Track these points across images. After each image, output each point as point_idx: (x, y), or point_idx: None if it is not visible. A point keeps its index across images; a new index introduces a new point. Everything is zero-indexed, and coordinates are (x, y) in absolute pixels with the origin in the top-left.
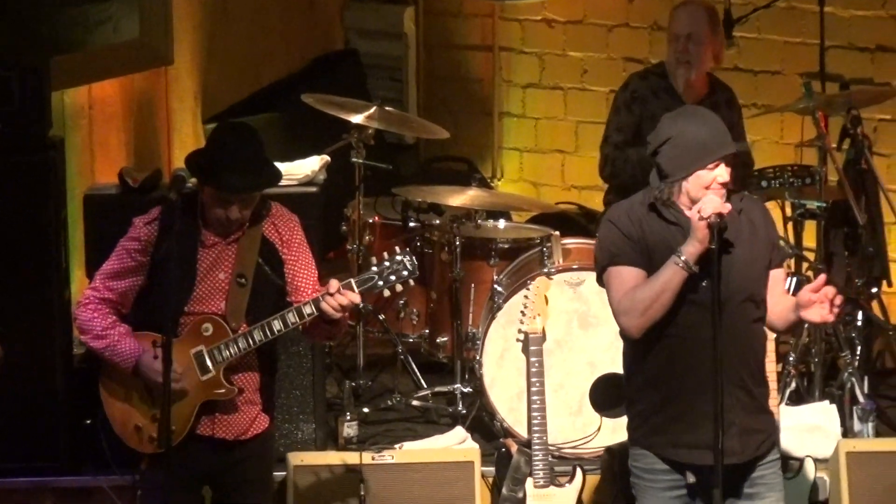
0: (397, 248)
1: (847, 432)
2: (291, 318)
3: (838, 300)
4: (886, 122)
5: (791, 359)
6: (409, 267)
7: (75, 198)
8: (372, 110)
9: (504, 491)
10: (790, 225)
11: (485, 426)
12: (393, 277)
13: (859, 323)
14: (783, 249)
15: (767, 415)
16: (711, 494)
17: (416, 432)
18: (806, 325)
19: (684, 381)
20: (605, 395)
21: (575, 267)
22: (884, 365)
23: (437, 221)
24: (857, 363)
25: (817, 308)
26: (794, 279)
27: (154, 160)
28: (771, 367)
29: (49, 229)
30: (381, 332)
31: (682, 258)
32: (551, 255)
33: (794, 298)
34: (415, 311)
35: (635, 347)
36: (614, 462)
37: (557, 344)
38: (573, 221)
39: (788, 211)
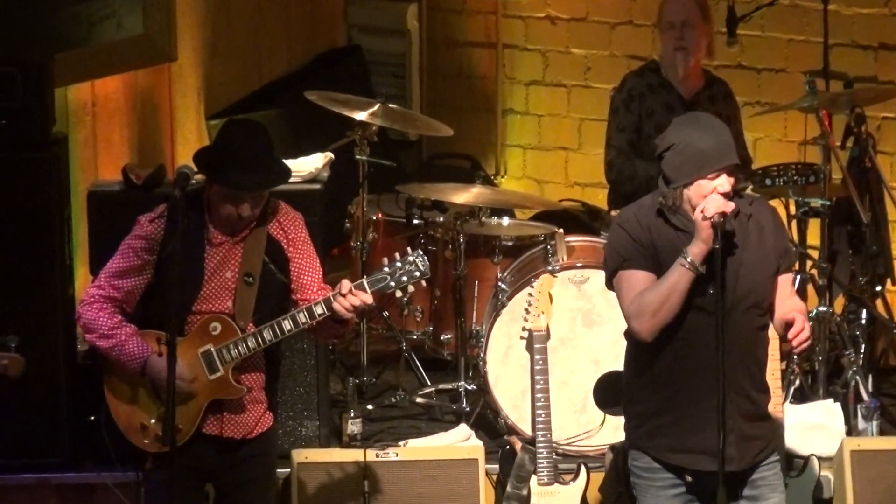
0: (409, 249)
1: (851, 430)
2: (302, 318)
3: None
4: (890, 120)
5: (795, 357)
6: (421, 267)
7: (79, 194)
8: (375, 107)
9: (508, 488)
10: (794, 223)
11: (489, 423)
12: (405, 278)
13: (863, 321)
14: (792, 254)
15: (767, 421)
16: (711, 500)
17: (420, 429)
18: (810, 324)
19: (686, 385)
20: (609, 393)
21: (579, 264)
22: (888, 363)
23: (441, 219)
24: (861, 361)
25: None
26: (798, 277)
27: (157, 156)
28: (775, 366)
29: (52, 226)
30: (385, 329)
31: (688, 259)
32: (555, 252)
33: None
34: (419, 308)
35: (639, 349)
36: (618, 459)
37: (561, 341)
38: (577, 219)
39: (792, 209)
